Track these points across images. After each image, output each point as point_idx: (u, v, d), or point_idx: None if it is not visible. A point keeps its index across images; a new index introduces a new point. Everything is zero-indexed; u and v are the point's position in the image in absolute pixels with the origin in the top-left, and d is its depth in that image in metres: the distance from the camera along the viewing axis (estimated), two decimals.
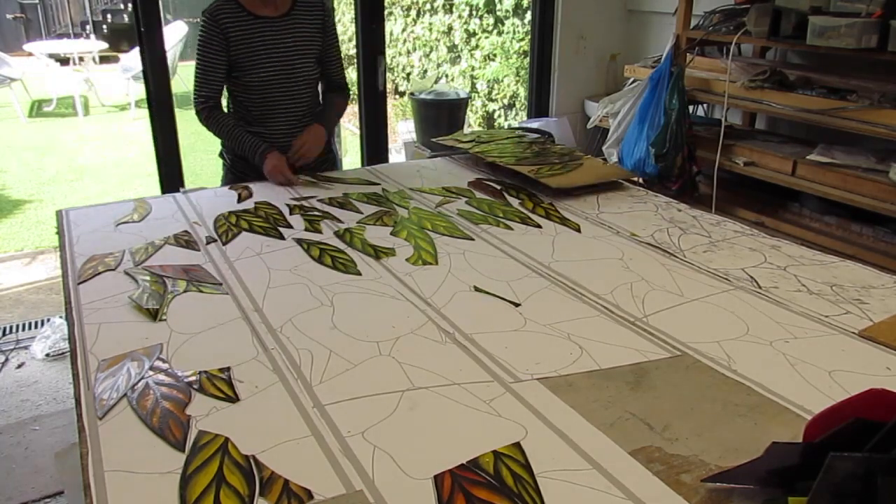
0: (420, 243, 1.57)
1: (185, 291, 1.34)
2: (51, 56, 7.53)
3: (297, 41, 2.10)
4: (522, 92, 5.14)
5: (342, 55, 2.28)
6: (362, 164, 3.40)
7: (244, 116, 2.15)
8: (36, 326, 2.93)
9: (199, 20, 2.04)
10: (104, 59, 8.62)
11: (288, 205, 1.82)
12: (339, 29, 6.16)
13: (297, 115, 2.17)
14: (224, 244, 1.57)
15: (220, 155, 2.26)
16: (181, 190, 1.99)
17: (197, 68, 2.06)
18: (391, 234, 1.63)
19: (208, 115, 2.08)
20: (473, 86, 5.74)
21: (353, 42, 3.74)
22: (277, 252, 1.53)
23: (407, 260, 1.49)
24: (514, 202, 1.88)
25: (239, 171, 2.17)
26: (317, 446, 0.91)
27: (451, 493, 0.83)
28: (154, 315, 1.24)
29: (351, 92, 2.42)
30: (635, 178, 2.13)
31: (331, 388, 1.04)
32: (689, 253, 1.55)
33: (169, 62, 3.00)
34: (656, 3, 3.66)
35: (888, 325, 1.22)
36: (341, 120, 2.58)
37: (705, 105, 3.35)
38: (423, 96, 3.87)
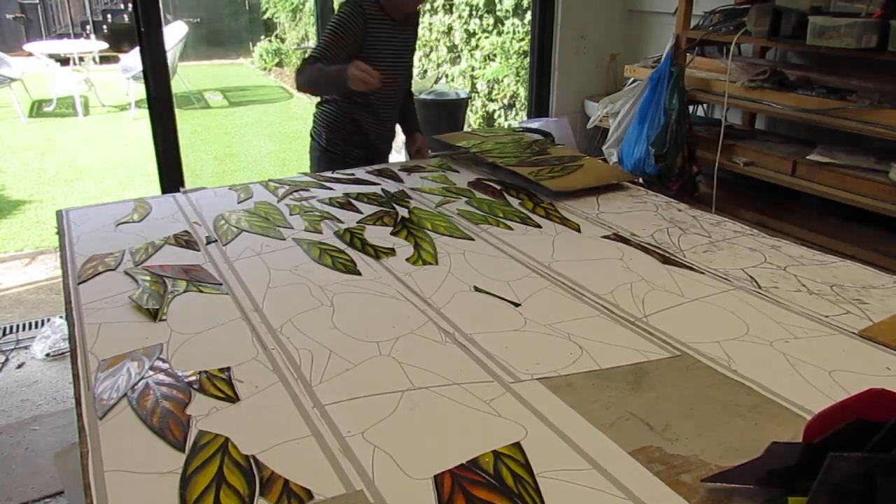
0: (420, 243, 1.58)
1: (185, 291, 1.34)
2: (51, 56, 7.52)
3: (407, 46, 2.37)
4: (522, 92, 5.14)
5: None
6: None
7: (347, 101, 2.35)
8: (36, 326, 2.93)
9: (344, 4, 2.21)
10: (104, 59, 8.63)
11: (288, 205, 1.82)
12: None
13: (389, 110, 2.43)
14: (224, 244, 1.57)
15: (312, 136, 2.46)
16: (181, 190, 1.99)
17: (323, 42, 2.20)
18: (391, 234, 1.63)
19: (306, 68, 2.19)
20: (473, 86, 5.74)
21: None
22: (277, 252, 1.53)
23: (407, 260, 1.49)
24: (514, 202, 1.88)
25: (335, 153, 2.40)
26: (317, 446, 0.91)
27: (451, 493, 0.83)
28: (154, 315, 1.24)
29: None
30: (636, 180, 2.13)
31: (331, 388, 1.04)
32: (689, 253, 1.55)
33: (169, 62, 3.00)
34: (656, 3, 3.67)
35: (888, 325, 1.22)
36: None
37: (705, 105, 3.35)
38: (423, 96, 3.87)
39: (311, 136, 2.47)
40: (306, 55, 2.23)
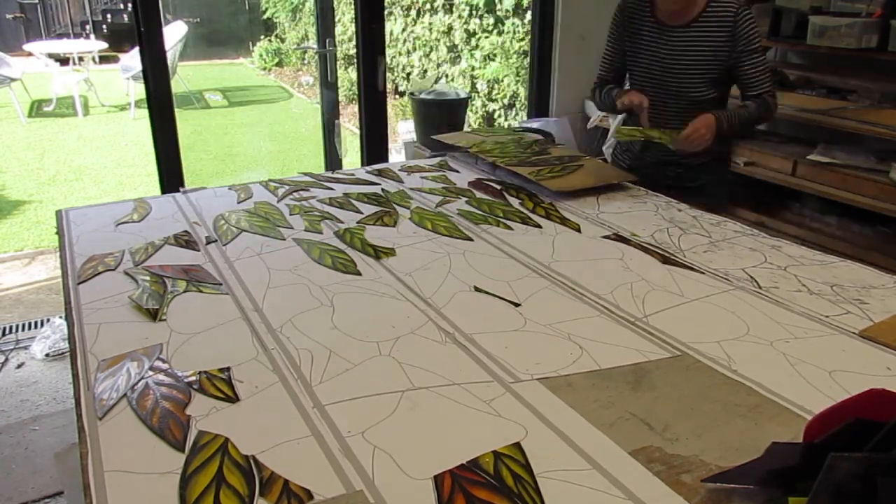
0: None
1: (185, 291, 1.34)
2: (51, 56, 7.52)
3: (686, 57, 1.99)
4: (522, 92, 5.14)
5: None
6: (362, 164, 3.40)
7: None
8: (36, 326, 2.93)
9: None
10: (104, 59, 8.63)
11: (288, 205, 1.82)
12: (339, 29, 6.15)
13: (670, 118, 2.08)
14: (224, 244, 1.57)
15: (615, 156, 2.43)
16: (181, 190, 1.99)
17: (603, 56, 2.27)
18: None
19: (593, 95, 2.27)
20: (473, 86, 5.74)
21: (353, 42, 3.75)
22: (277, 252, 1.53)
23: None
24: (514, 202, 1.88)
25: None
26: (317, 446, 0.91)
27: (451, 493, 0.83)
28: (154, 315, 1.24)
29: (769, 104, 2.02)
30: (635, 180, 2.13)
31: (331, 388, 1.04)
32: (689, 253, 1.55)
33: (169, 62, 3.00)
34: None
35: (888, 325, 1.22)
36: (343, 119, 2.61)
37: None
38: (423, 96, 3.87)
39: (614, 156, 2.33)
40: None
